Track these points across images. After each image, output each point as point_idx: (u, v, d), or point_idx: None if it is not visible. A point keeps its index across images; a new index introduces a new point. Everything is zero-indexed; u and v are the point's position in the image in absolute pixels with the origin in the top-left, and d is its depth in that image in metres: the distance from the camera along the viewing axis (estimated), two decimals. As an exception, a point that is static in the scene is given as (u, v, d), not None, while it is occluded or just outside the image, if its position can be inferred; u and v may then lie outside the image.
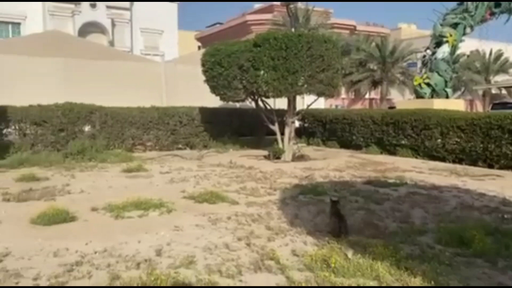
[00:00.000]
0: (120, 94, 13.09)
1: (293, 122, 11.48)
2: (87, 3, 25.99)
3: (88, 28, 26.51)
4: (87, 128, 11.91)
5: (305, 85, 10.22)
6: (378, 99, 37.28)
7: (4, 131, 11.09)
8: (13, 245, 4.28)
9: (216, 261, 3.96)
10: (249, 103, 12.21)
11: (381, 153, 12.42)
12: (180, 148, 13.51)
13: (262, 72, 10.05)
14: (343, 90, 33.04)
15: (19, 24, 26.39)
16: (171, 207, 5.87)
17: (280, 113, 12.00)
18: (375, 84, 33.57)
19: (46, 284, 3.41)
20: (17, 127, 11.14)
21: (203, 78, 11.78)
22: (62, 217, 5.13)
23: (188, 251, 4.21)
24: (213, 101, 12.99)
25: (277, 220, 5.38)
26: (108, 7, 26.62)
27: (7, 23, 26.19)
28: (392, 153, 12.21)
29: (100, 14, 26.40)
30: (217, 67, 10.73)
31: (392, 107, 21.86)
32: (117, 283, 3.37)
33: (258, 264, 3.88)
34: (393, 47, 32.14)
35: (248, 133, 14.54)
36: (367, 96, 39.01)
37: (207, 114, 13.81)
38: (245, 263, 3.92)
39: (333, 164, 10.24)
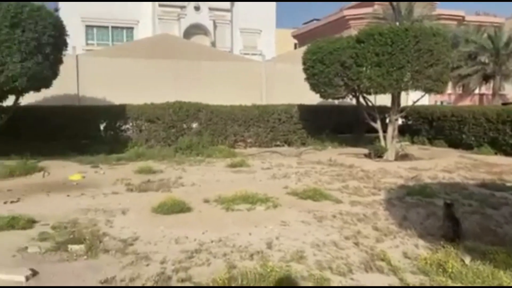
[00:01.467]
0: (223, 93, 13.72)
1: (396, 119, 11.06)
2: (191, 7, 27.52)
3: (192, 30, 28.06)
4: (194, 125, 12.69)
5: (411, 81, 9.78)
6: (489, 94, 34.17)
7: (123, 127, 12.27)
8: (140, 231, 4.77)
9: (326, 258, 4.01)
10: (350, 100, 12.02)
11: (496, 153, 11.43)
12: (278, 145, 13.76)
13: (365, 68, 9.84)
14: (449, 85, 30.84)
15: (132, 28, 28.78)
16: (276, 202, 6.05)
17: (382, 110, 11.64)
18: (486, 78, 30.76)
19: (171, 268, 3.74)
20: (134, 124, 12.26)
21: (302, 76, 11.86)
22: (179, 208, 5.57)
23: (297, 246, 4.32)
24: (311, 99, 13.02)
25: (384, 221, 5.27)
26: (210, 9, 27.91)
27: (122, 28, 28.72)
28: (508, 154, 11.17)
29: (203, 16, 27.78)
30: (318, 64, 10.73)
31: (506, 103, 19.92)
32: (233, 272, 3.59)
33: (369, 264, 3.86)
34: (509, 38, 29.18)
35: (347, 130, 14.31)
36: (476, 91, 35.96)
37: (305, 111, 13.88)
38: (355, 262, 3.92)
39: (441, 165, 9.67)
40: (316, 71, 10.85)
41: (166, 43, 15.73)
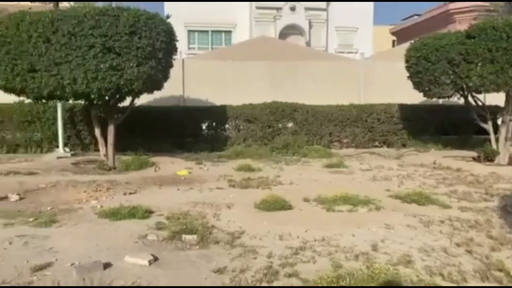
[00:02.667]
0: (319, 92, 13.69)
1: (511, 120, 10.11)
2: (287, 8, 27.81)
3: (287, 31, 28.34)
4: (290, 125, 12.85)
5: (530, 79, 8.88)
6: None
7: (223, 127, 12.86)
8: (245, 225, 4.99)
9: (436, 264, 3.85)
10: (458, 99, 11.26)
11: None
12: (376, 146, 13.36)
13: (475, 65, 9.15)
14: None
15: (230, 32, 29.89)
16: (378, 204, 5.92)
17: (493, 110, 10.73)
18: None
19: (278, 262, 3.87)
20: (233, 124, 12.78)
21: (403, 74, 11.37)
22: (281, 205, 5.72)
23: (404, 250, 4.20)
24: (412, 98, 12.44)
25: (499, 229, 4.89)
26: (306, 9, 27.96)
27: (221, 32, 29.98)
28: None
29: (299, 16, 27.91)
30: (423, 62, 10.21)
31: None
32: (339, 272, 3.60)
33: (485, 274, 3.62)
34: None
35: (453, 131, 13.41)
36: None
37: (406, 111, 13.29)
38: (469, 270, 3.71)
39: None
40: (421, 68, 10.34)
41: (263, 44, 16.10)
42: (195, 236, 4.52)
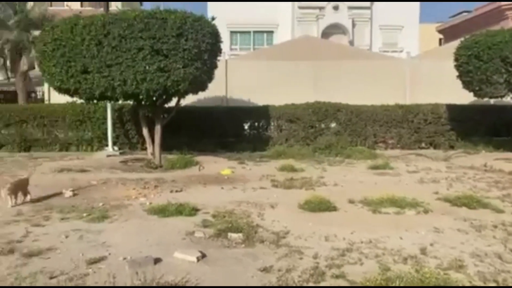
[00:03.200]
0: (363, 92, 13.46)
1: None
2: (330, 7, 27.53)
3: (330, 30, 28.04)
4: (333, 125, 12.72)
5: None
6: None
7: (265, 127, 12.92)
8: (290, 226, 4.99)
9: (489, 270, 3.71)
10: (511, 99, 10.74)
11: None
12: (423, 147, 12.98)
13: (532, 63, 8.73)
14: None
15: (272, 32, 29.94)
16: (427, 207, 5.76)
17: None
18: None
19: (324, 263, 3.86)
20: (275, 124, 12.81)
21: (451, 73, 10.99)
22: (325, 206, 5.68)
23: (455, 254, 4.07)
24: (460, 98, 12.01)
25: (560, 237, 4.64)
26: (349, 8, 27.57)
27: (262, 32, 30.09)
28: None
29: (342, 15, 27.56)
30: (474, 60, 9.83)
31: None
32: (388, 274, 3.54)
33: (544, 282, 3.45)
34: None
35: (505, 133, 12.81)
36: None
37: (455, 111, 12.82)
38: (526, 278, 3.54)
39: None
40: (471, 67, 9.95)
41: (306, 44, 16.03)
42: (240, 235, 4.58)
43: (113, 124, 11.95)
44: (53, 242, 4.41)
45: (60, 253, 4.14)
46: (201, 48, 8.47)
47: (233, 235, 4.58)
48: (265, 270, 3.71)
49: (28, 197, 6.20)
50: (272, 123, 12.85)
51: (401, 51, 26.66)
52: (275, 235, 4.64)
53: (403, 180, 7.94)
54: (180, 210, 5.54)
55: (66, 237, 4.61)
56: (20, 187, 6.10)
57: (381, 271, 3.61)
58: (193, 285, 3.42)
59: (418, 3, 29.00)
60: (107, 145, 12.00)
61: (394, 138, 12.97)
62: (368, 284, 3.30)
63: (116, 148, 12.04)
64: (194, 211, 5.61)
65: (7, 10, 20.91)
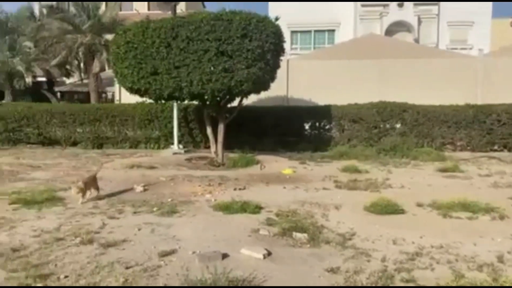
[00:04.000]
0: (430, 91, 12.90)
1: None
2: (395, 4, 26.66)
3: (394, 28, 27.16)
4: (398, 126, 12.31)
5: None
6: None
7: (327, 127, 12.77)
8: (356, 227, 4.92)
9: None
10: None
11: None
12: (495, 150, 12.19)
13: None
14: None
15: (333, 31, 29.52)
16: (502, 213, 5.43)
17: None
18: None
19: (393, 267, 3.76)
20: (337, 124, 12.62)
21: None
22: (393, 209, 5.53)
23: (537, 265, 3.81)
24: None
25: None
26: (415, 4, 26.53)
27: (323, 31, 29.75)
28: None
29: (407, 12, 26.58)
30: (557, 57, 9.10)
31: None
32: (462, 282, 3.39)
33: None
34: None
35: None
36: None
37: (533, 112, 11.93)
38: None
39: None
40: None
41: (369, 42, 15.66)
42: (305, 235, 4.58)
43: (179, 124, 12.37)
44: (127, 234, 4.67)
45: (134, 244, 4.37)
46: (264, 49, 8.55)
47: (298, 235, 4.59)
48: (332, 271, 3.69)
49: (97, 193, 6.41)
50: (334, 123, 12.67)
51: (470, 48, 25.27)
52: (341, 237, 4.59)
53: (474, 184, 7.53)
54: (245, 207, 5.64)
55: (139, 229, 4.86)
56: (89, 184, 6.30)
57: (455, 278, 3.46)
58: (260, 281, 3.48)
59: (491, -4, 27.30)
60: (172, 143, 12.45)
61: (464, 140, 12.29)
62: (441, 290, 3.18)
63: (181, 146, 12.45)
64: (257, 209, 5.69)
65: (82, 15, 22.34)
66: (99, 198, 6.37)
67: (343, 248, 4.26)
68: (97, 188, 6.45)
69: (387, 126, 12.32)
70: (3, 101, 19.77)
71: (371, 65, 14.16)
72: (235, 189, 7.10)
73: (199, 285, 3.25)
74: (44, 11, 24.54)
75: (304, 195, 6.64)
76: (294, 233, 4.64)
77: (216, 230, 4.83)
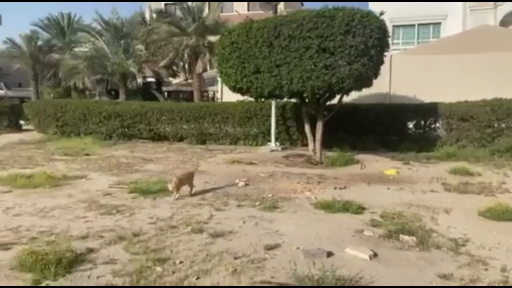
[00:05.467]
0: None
1: None
2: (511, -8, 24.16)
3: (510, 18, 24.67)
4: (516, 125, 11.16)
5: None
6: None
7: (433, 126, 12.02)
8: (469, 233, 4.59)
9: None
10: None
11: None
12: None
13: None
14: None
15: (439, 24, 27.66)
16: None
17: None
18: None
19: (516, 279, 3.45)
20: (444, 122, 11.81)
21: None
22: (512, 215, 5.05)
23: None
24: None
25: None
26: (539, -10, 23.79)
27: (428, 24, 28.00)
28: None
29: (527, 0, 23.95)
30: None
31: None
32: None
33: None
34: None
35: None
36: None
37: None
38: None
39: None
40: None
41: (482, 35, 14.41)
42: (413, 238, 4.39)
43: (276, 121, 12.55)
44: (233, 226, 4.88)
45: (240, 236, 4.55)
46: (368, 44, 8.32)
47: (406, 238, 4.41)
48: (445, 277, 3.49)
49: (192, 190, 6.50)
50: (441, 122, 11.88)
51: None
52: (453, 242, 4.32)
53: None
54: (347, 207, 5.56)
55: (243, 222, 5.05)
56: (184, 181, 6.43)
57: None
58: (368, 282, 3.41)
59: None
60: (270, 141, 12.67)
61: None
62: None
63: (278, 143, 12.62)
64: (360, 209, 5.57)
65: (187, 18, 23.70)
66: (206, 191, 6.73)
67: (455, 254, 4.01)
68: (192, 186, 6.53)
69: (503, 125, 11.21)
70: (119, 100, 21.75)
71: (483, 59, 12.98)
72: (335, 188, 7.02)
73: (306, 280, 3.28)
74: (154, 15, 26.48)
75: (410, 197, 6.35)
76: (401, 236, 4.47)
77: (318, 228, 4.83)
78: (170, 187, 6.20)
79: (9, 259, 3.80)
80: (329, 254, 3.97)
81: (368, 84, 9.35)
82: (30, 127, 17.07)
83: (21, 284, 3.38)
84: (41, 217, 5.27)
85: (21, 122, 18.30)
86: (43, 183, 7.07)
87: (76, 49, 28.48)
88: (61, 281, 3.43)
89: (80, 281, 3.45)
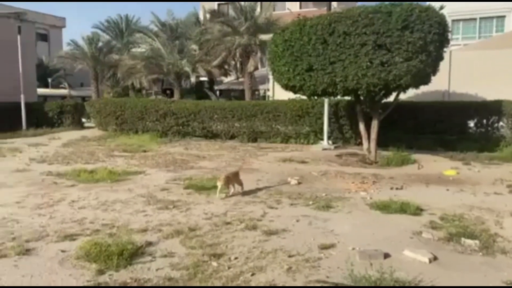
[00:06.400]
0: None
1: None
2: None
3: None
4: None
5: None
6: None
7: (496, 124, 11.37)
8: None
9: None
10: None
11: None
12: None
13: None
14: None
15: (503, 17, 26.13)
16: None
17: None
18: None
19: None
20: (509, 121, 11.14)
21: None
22: None
23: None
24: None
25: None
26: None
27: (491, 18, 26.49)
28: None
29: None
30: None
31: None
32: None
33: None
34: None
35: None
36: None
37: None
38: None
39: None
40: None
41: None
42: (477, 242, 4.18)
43: (329, 119, 12.39)
44: (286, 224, 4.87)
45: (294, 235, 4.54)
46: (426, 40, 8.01)
47: (468, 241, 4.21)
48: (512, 284, 3.30)
49: (241, 189, 6.43)
50: (505, 121, 11.21)
51: None
52: (521, 248, 4.07)
53: None
54: (404, 208, 5.39)
55: (297, 221, 5.03)
56: (232, 179, 6.36)
57: None
58: (427, 285, 3.29)
59: None
60: (322, 139, 12.54)
61: None
62: None
63: (330, 142, 12.46)
64: (418, 210, 5.39)
65: (240, 18, 23.95)
66: (258, 189, 6.77)
67: (525, 260, 3.77)
68: (241, 184, 6.46)
69: None
70: (174, 99, 22.38)
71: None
72: (391, 188, 6.83)
73: (363, 281, 3.21)
74: (208, 16, 26.98)
75: (471, 199, 6.05)
76: (462, 239, 4.27)
77: (374, 229, 4.72)
78: (219, 184, 6.14)
79: (75, 249, 4.01)
80: (386, 255, 3.86)
81: (426, 81, 9.02)
82: (91, 124, 18.00)
83: (87, 274, 3.57)
84: (103, 210, 5.53)
85: (83, 119, 19.34)
86: (104, 178, 7.43)
87: (134, 50, 29.63)
88: (123, 272, 3.57)
89: (140, 273, 3.58)
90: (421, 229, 4.70)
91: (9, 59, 17.12)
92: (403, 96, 10.35)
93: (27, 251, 4.03)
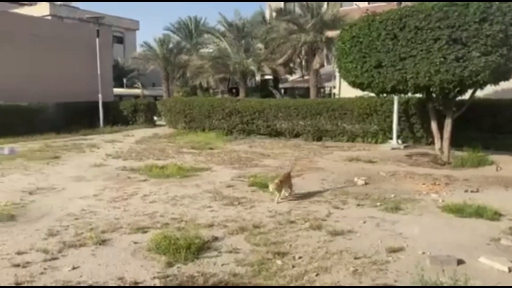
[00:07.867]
0: None
1: None
2: None
3: None
4: None
5: None
6: None
7: None
8: None
9: None
10: None
11: None
12: None
13: None
14: None
15: None
16: None
17: None
18: None
19: None
20: None
21: None
22: None
23: None
24: None
25: None
26: None
27: None
28: None
29: None
30: None
31: None
32: None
33: None
34: None
35: None
36: None
37: None
38: None
39: None
40: None
41: None
42: None
43: (398, 118, 11.94)
44: (352, 225, 4.76)
45: (360, 236, 4.43)
46: (508, 33, 7.44)
47: (554, 251, 3.85)
48: None
49: (290, 191, 6.17)
50: None
51: None
52: None
53: None
54: (480, 212, 5.07)
55: (364, 222, 4.90)
56: (284, 182, 6.06)
57: None
58: (507, 297, 3.06)
59: None
60: (391, 138, 12.12)
61: None
62: None
63: (399, 141, 12.01)
64: (497, 215, 5.04)
65: (306, 15, 23.76)
66: (324, 190, 6.68)
67: None
68: (291, 187, 6.22)
69: None
70: (239, 97, 22.74)
71: None
72: (466, 191, 6.44)
73: (434, 288, 3.06)
74: (274, 14, 27.05)
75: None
76: (548, 249, 3.92)
77: (446, 233, 4.48)
78: (271, 188, 5.84)
79: (146, 242, 4.21)
80: (460, 262, 3.65)
81: (507, 77, 8.40)
82: (162, 122, 18.82)
83: (157, 265, 3.73)
84: (172, 204, 5.76)
85: (155, 118, 20.26)
86: (174, 174, 7.73)
87: (202, 50, 30.49)
88: (190, 266, 3.69)
89: (206, 267, 3.68)
90: (499, 235, 4.39)
91: (88, 62, 18.39)
92: (480, 93, 9.72)
93: (103, 242, 4.29)
